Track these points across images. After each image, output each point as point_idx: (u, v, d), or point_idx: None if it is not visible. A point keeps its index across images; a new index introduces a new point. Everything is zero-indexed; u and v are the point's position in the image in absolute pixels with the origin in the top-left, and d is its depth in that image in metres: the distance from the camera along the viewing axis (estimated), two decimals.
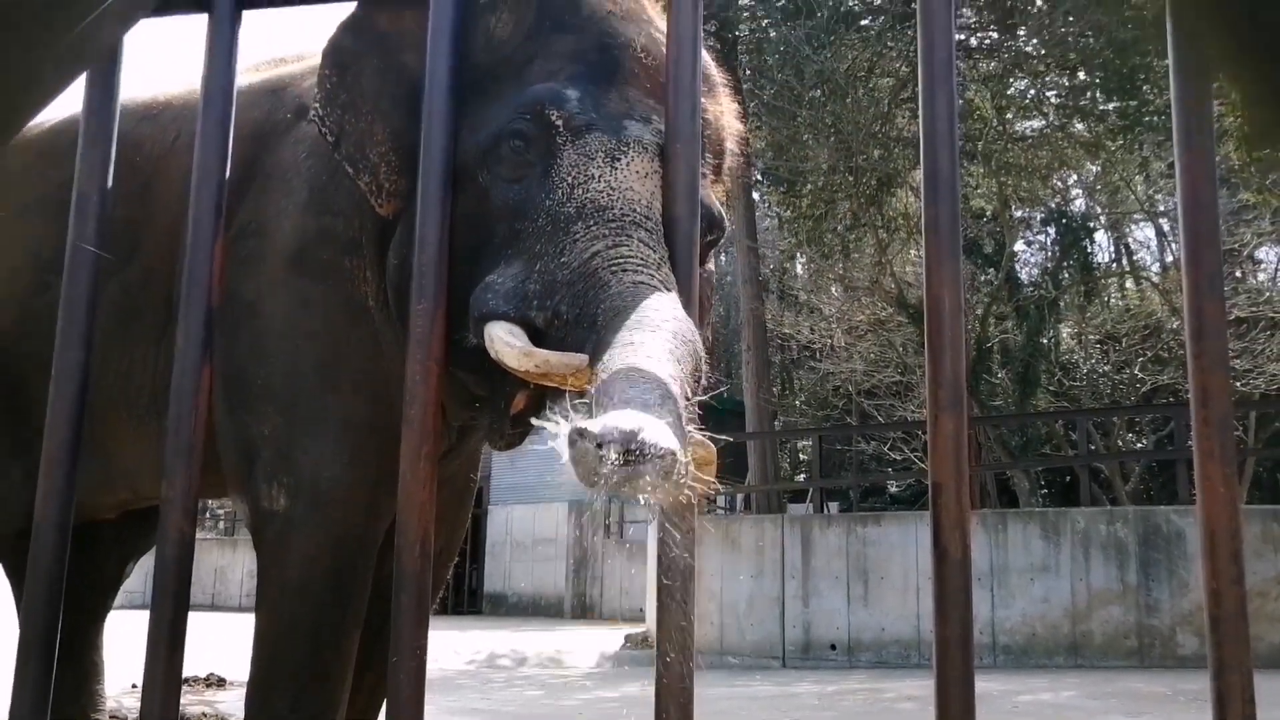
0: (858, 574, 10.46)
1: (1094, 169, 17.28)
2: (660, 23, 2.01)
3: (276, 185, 2.38)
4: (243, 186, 2.32)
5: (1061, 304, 17.89)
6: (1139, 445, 17.40)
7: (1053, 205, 18.17)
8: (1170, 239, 18.64)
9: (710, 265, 2.20)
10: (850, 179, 14.71)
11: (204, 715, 6.13)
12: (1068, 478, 18.60)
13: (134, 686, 6.90)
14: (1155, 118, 13.76)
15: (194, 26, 1.66)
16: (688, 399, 1.41)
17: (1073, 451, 15.84)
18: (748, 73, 14.51)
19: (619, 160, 1.82)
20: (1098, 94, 14.76)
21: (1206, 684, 1.21)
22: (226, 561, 26.44)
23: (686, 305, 1.59)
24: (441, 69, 1.59)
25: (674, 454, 1.20)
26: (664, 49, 1.72)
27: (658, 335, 1.47)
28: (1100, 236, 20.41)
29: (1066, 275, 18.20)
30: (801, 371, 23.98)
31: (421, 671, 1.42)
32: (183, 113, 2.64)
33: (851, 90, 14.43)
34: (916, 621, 10.06)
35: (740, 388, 16.53)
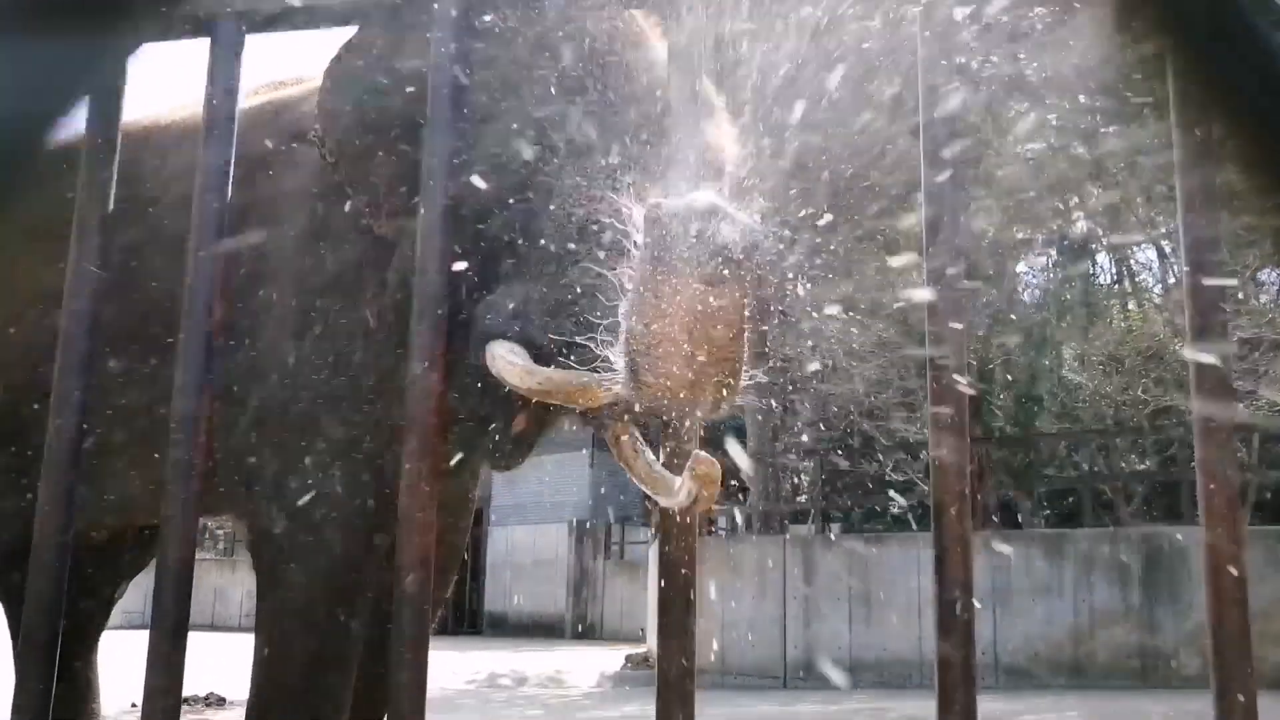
0: (860, 595, 10.43)
1: (1096, 191, 17.30)
2: (649, 39, 2.02)
3: (275, 210, 2.39)
4: (240, 210, 2.32)
5: (1064, 325, 17.88)
6: (1142, 466, 17.36)
7: (1054, 227, 18.17)
8: (1172, 261, 18.65)
9: None
10: (852, 201, 14.73)
11: None
12: (1070, 499, 18.54)
13: (133, 706, 6.87)
14: (1157, 140, 13.80)
15: (190, 51, 1.67)
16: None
17: (1075, 473, 15.81)
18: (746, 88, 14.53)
19: (619, 183, 1.83)
20: (1098, 118, 14.81)
21: (1209, 705, 1.21)
22: (225, 582, 26.37)
23: None
24: (443, 90, 1.60)
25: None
26: (663, 71, 1.73)
27: None
28: (1102, 258, 20.42)
29: (1068, 296, 18.20)
30: (803, 393, 23.95)
31: (422, 692, 1.41)
32: (182, 137, 2.64)
33: (854, 112, 14.46)
34: (919, 642, 10.02)
35: (742, 408, 16.48)
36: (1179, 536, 9.72)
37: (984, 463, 15.61)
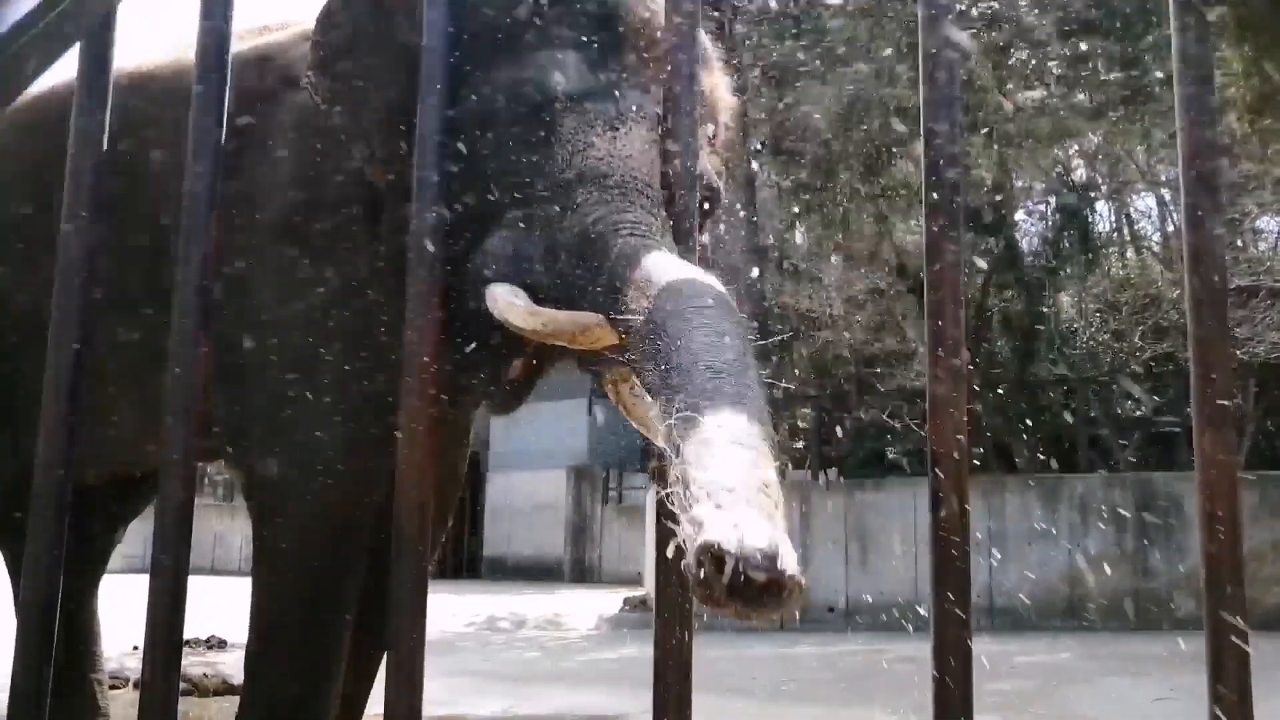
0: (856, 539, 10.51)
1: (1095, 139, 17.20)
2: None
3: (265, 156, 2.36)
4: (229, 158, 2.30)
5: (1062, 273, 17.85)
6: (1138, 413, 17.42)
7: (1053, 175, 18.09)
8: (1171, 208, 18.58)
9: (706, 237, 2.20)
10: (850, 149, 14.64)
11: (205, 676, 6.18)
12: (1067, 444, 18.63)
13: (135, 648, 6.95)
14: (1157, 87, 13.69)
15: None
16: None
17: (1072, 419, 15.88)
18: (747, 42, 14.41)
19: (617, 130, 1.82)
20: (1099, 64, 14.68)
21: (1203, 645, 1.22)
22: (225, 527, 26.55)
23: None
24: (437, 33, 1.58)
25: (797, 581, 1.05)
26: (662, 18, 1.71)
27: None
28: (1101, 206, 20.34)
29: (1067, 245, 18.15)
30: (800, 340, 23.96)
31: (421, 635, 1.42)
32: (170, 83, 2.61)
33: (852, 60, 14.35)
34: (914, 586, 10.11)
35: None
36: (1174, 481, 9.78)
37: (981, 408, 15.66)
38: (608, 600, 12.85)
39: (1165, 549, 9.59)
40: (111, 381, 2.55)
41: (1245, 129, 11.93)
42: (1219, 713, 1.20)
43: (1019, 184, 17.78)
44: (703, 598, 1.05)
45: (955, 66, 1.37)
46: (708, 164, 2.02)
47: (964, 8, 13.92)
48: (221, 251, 2.00)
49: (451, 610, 12.02)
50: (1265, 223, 18.57)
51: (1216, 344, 1.24)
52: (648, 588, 11.74)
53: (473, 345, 1.97)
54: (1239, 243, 16.87)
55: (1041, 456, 18.35)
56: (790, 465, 19.27)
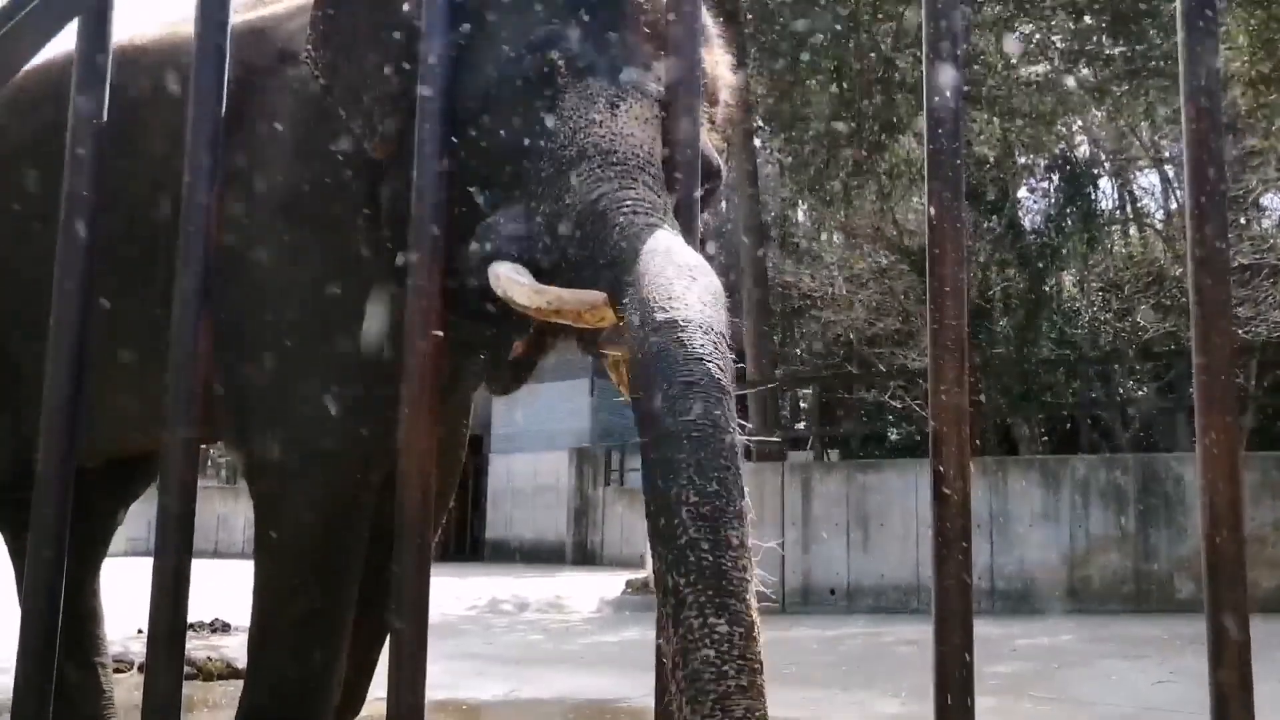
0: (858, 521, 10.52)
1: (1099, 115, 17.14)
2: None
3: (263, 132, 2.35)
4: (228, 135, 2.29)
5: (1064, 251, 17.81)
6: (1140, 393, 17.41)
7: (1056, 152, 18.03)
8: (1175, 186, 18.54)
9: (708, 214, 2.19)
10: (853, 125, 14.60)
11: (209, 659, 6.21)
12: (1068, 425, 18.63)
13: (140, 632, 6.97)
14: (1161, 62, 13.62)
15: None
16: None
17: (1073, 399, 15.88)
18: (749, 17, 14.35)
19: (619, 106, 1.81)
20: (1103, 39, 14.62)
21: (1204, 628, 1.22)
22: (229, 509, 26.60)
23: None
24: (438, 8, 1.57)
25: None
26: None
27: (691, 276, 1.45)
28: (1104, 183, 20.29)
29: (1069, 222, 18.10)
30: (802, 320, 23.96)
31: (423, 618, 1.43)
32: (164, 58, 2.59)
33: (854, 35, 14.29)
34: (916, 567, 10.13)
35: (740, 336, 16.52)
36: (1175, 463, 9.78)
37: (982, 389, 15.67)
38: (610, 583, 12.89)
39: (1166, 530, 9.59)
40: (111, 361, 2.55)
41: (1250, 104, 11.88)
42: (1219, 695, 1.20)
43: (1021, 161, 17.73)
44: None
45: (958, 41, 1.36)
46: (708, 141, 2.01)
47: None
48: (220, 230, 2.00)
49: (453, 593, 12.05)
50: (1269, 200, 18.53)
51: (1219, 323, 1.24)
52: (650, 570, 11.71)
53: (474, 325, 1.97)
54: (1242, 220, 16.83)
55: (1043, 437, 18.36)
56: (790, 447, 19.31)
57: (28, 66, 2.70)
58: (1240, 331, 14.51)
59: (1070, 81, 15.10)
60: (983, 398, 15.53)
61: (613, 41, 1.90)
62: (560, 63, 1.85)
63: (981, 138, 15.86)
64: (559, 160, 1.79)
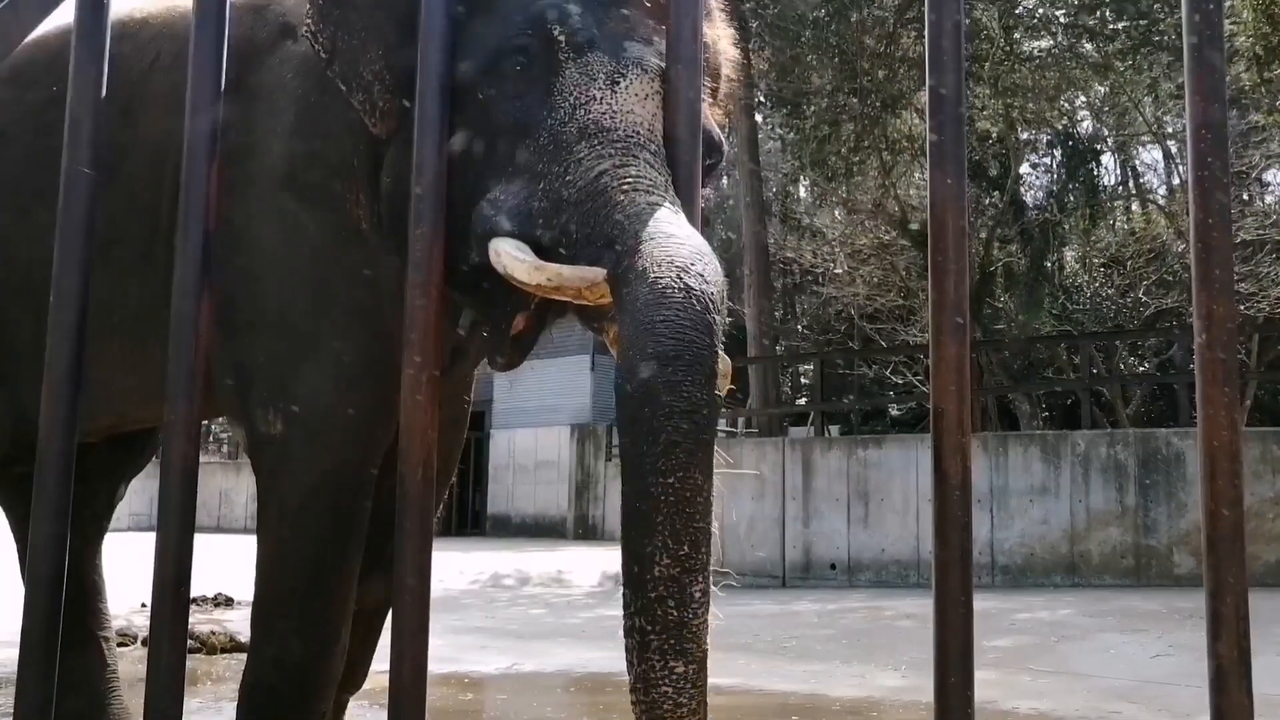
0: (858, 496, 10.55)
1: (1102, 90, 17.08)
2: None
3: (262, 107, 2.34)
4: (227, 109, 2.28)
5: (1066, 227, 17.79)
6: (1141, 369, 17.43)
7: (1059, 127, 17.97)
8: (1178, 161, 18.48)
9: (709, 190, 2.18)
10: (854, 100, 14.55)
11: (213, 633, 6.24)
12: (1069, 401, 18.65)
13: (143, 606, 7.01)
14: (1165, 37, 13.56)
15: None
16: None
17: (1074, 375, 15.89)
18: None
19: (619, 82, 1.80)
20: (1107, 13, 14.54)
21: (1202, 602, 1.23)
22: (231, 485, 26.68)
23: (691, 224, 1.59)
24: None
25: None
26: None
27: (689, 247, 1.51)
28: (1107, 159, 20.23)
29: (1072, 198, 18.07)
30: (804, 295, 23.95)
31: (425, 592, 1.43)
32: (163, 31, 2.57)
33: (856, 10, 14.22)
34: (916, 542, 10.17)
35: (742, 311, 16.53)
36: (1175, 438, 9.80)
37: (984, 365, 15.69)
38: (611, 557, 12.89)
39: (1166, 505, 9.62)
40: (111, 336, 2.55)
41: (1254, 80, 11.83)
42: (1217, 669, 1.20)
43: (1024, 137, 17.67)
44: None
45: (960, 16, 1.35)
46: (710, 116, 2.00)
47: None
48: (220, 205, 2.00)
49: (456, 567, 12.11)
50: (1272, 175, 18.50)
51: (1221, 299, 1.24)
52: None
53: (475, 301, 1.96)
54: (1245, 195, 16.80)
55: (1044, 412, 18.39)
56: (791, 423, 19.34)
57: (26, 41, 2.69)
58: (1242, 307, 14.50)
59: (1073, 57, 15.03)
60: (984, 373, 15.55)
61: (614, 16, 1.88)
62: (560, 38, 1.84)
63: (984, 113, 15.80)
64: (559, 137, 1.78)
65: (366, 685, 2.85)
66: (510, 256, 1.69)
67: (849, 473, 10.62)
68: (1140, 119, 17.02)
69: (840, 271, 19.07)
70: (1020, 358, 17.30)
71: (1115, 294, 17.25)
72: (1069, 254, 18.86)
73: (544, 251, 1.70)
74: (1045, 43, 15.45)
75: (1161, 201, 18.82)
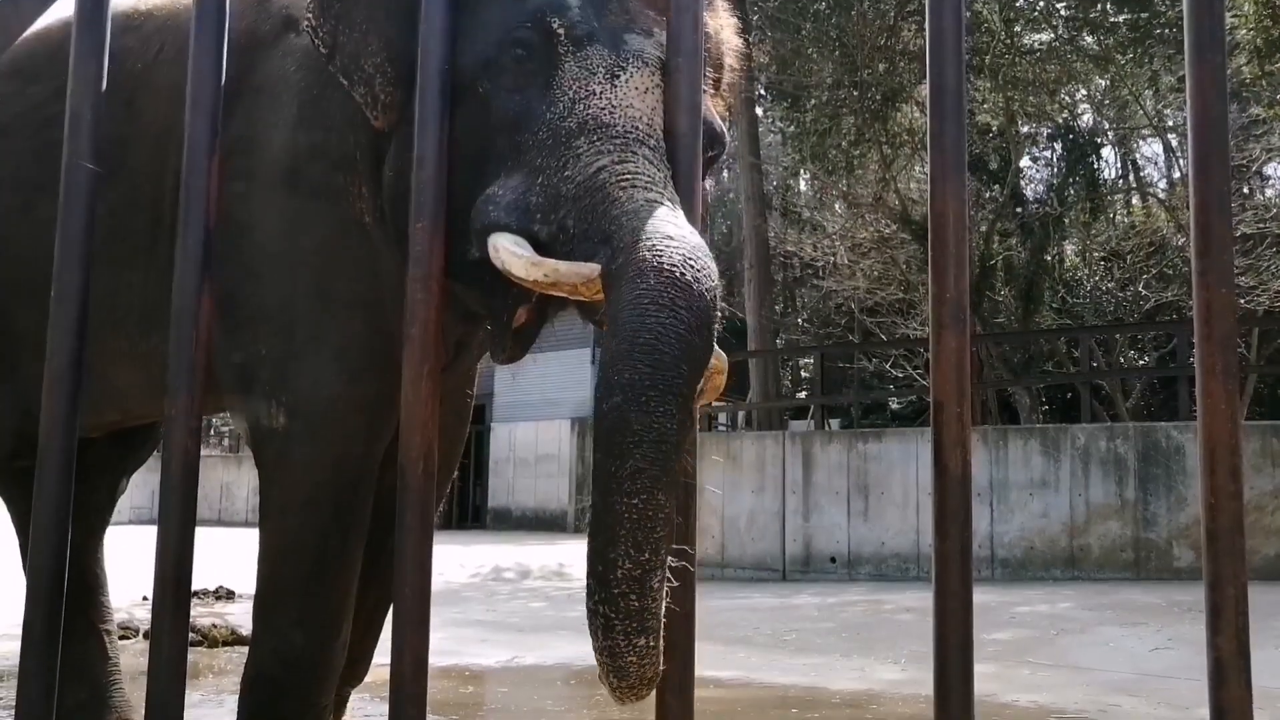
0: (858, 489, 10.56)
1: (1102, 83, 17.05)
2: None
3: (265, 100, 2.34)
4: (230, 102, 2.28)
5: (1066, 221, 17.77)
6: (1141, 362, 17.43)
7: (1060, 120, 17.95)
8: (1178, 155, 18.45)
9: (710, 183, 2.18)
10: (855, 94, 14.53)
11: (214, 626, 6.25)
12: (1069, 394, 18.66)
13: (145, 599, 7.02)
14: (1166, 30, 13.54)
15: None
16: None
17: (1074, 368, 15.89)
18: None
19: (619, 76, 1.80)
20: (1108, 5, 14.52)
21: (1201, 595, 1.23)
22: (232, 478, 26.71)
23: (690, 220, 1.59)
24: None
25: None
26: None
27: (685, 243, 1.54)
28: (1107, 152, 20.20)
29: (1072, 192, 18.05)
30: (804, 289, 23.94)
31: (426, 586, 1.44)
32: (166, 23, 2.57)
33: (857, 3, 14.20)
34: (916, 536, 10.18)
35: (742, 305, 16.52)
36: (1175, 431, 9.80)
37: (984, 358, 15.68)
38: None
39: (1166, 499, 9.62)
40: (115, 331, 2.55)
41: (1254, 73, 11.82)
42: (1217, 662, 1.21)
43: (1024, 130, 17.65)
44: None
45: (961, 9, 1.35)
46: (711, 108, 1.99)
47: None
48: (223, 198, 2.00)
49: (456, 561, 12.12)
50: (1272, 169, 18.47)
51: (1221, 292, 1.24)
52: None
53: (476, 294, 1.96)
54: (1245, 189, 16.78)
55: (1044, 406, 18.38)
56: (792, 416, 19.34)
57: (28, 34, 2.69)
58: (1242, 301, 14.49)
59: (1073, 50, 15.01)
60: (984, 367, 15.55)
61: (614, 8, 1.88)
62: (560, 31, 1.84)
63: (984, 106, 15.78)
64: (558, 132, 1.78)
65: (368, 678, 2.85)
66: (508, 252, 1.69)
67: (849, 466, 10.62)
68: (1141, 112, 16.99)
69: (841, 265, 19.06)
70: (1020, 351, 17.30)
71: (1115, 287, 17.24)
72: (1069, 248, 18.84)
73: (542, 247, 1.70)
74: (1046, 36, 15.44)
75: (1162, 195, 18.80)
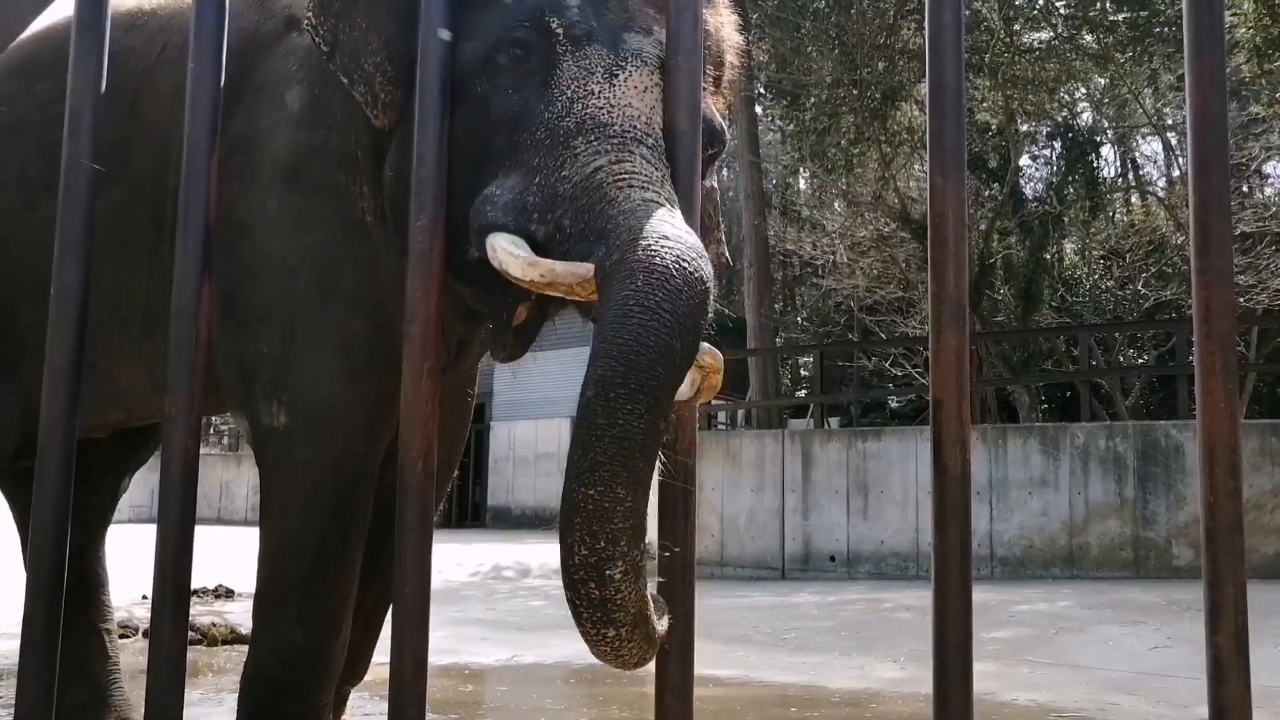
0: (857, 488, 10.56)
1: (1102, 82, 17.06)
2: None
3: (267, 99, 2.34)
4: (232, 101, 2.27)
5: (1066, 219, 17.78)
6: (1140, 361, 17.44)
7: (1059, 119, 17.96)
8: (1178, 153, 18.46)
9: (712, 180, 2.18)
10: (854, 92, 14.53)
11: (214, 625, 6.26)
12: (1068, 393, 18.66)
13: (144, 598, 7.02)
14: (1165, 28, 13.54)
15: None
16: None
17: (1074, 367, 15.89)
18: None
19: (617, 75, 1.80)
20: (1107, 4, 14.52)
21: (1200, 594, 1.23)
22: (231, 476, 26.71)
23: (688, 220, 1.58)
24: None
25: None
26: None
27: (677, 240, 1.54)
28: (1107, 151, 20.21)
29: (1071, 190, 18.06)
30: (803, 288, 23.95)
31: (426, 584, 1.44)
32: (169, 23, 2.58)
33: (856, 1, 14.20)
34: (915, 534, 10.18)
35: (742, 304, 16.52)
36: (1174, 430, 9.80)
37: (983, 356, 15.69)
38: None
39: (1165, 497, 9.63)
40: (119, 331, 2.55)
41: (1254, 71, 11.82)
42: (1216, 661, 1.21)
43: (1023, 128, 17.66)
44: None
45: (961, 7, 1.35)
46: (711, 105, 1.99)
47: None
48: (224, 197, 1.99)
49: (456, 559, 12.13)
50: (1272, 167, 18.48)
51: (1220, 291, 1.24)
52: (650, 537, 11.79)
53: (476, 293, 1.97)
54: (1245, 188, 16.78)
55: (1043, 404, 18.38)
56: (791, 415, 19.34)
57: (31, 33, 2.69)
58: (1241, 299, 14.50)
59: (1073, 48, 15.01)
60: (983, 365, 15.56)
61: (612, 7, 1.88)
62: (558, 30, 1.84)
63: (984, 105, 15.79)
64: (556, 131, 1.78)
65: (368, 677, 2.85)
66: (505, 252, 1.69)
67: (848, 465, 10.63)
68: (1140, 111, 17.00)
69: (840, 263, 19.07)
70: (1020, 350, 17.30)
71: (1115, 286, 17.25)
72: (1069, 246, 18.85)
73: (540, 246, 1.70)
74: (1045, 34, 15.44)
75: (1161, 193, 18.81)
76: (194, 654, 5.58)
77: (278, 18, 2.41)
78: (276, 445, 2.27)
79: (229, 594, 8.60)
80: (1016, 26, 15.00)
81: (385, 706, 1.42)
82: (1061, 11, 14.99)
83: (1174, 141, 18.34)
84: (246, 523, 20.78)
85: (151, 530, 1.56)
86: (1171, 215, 16.44)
